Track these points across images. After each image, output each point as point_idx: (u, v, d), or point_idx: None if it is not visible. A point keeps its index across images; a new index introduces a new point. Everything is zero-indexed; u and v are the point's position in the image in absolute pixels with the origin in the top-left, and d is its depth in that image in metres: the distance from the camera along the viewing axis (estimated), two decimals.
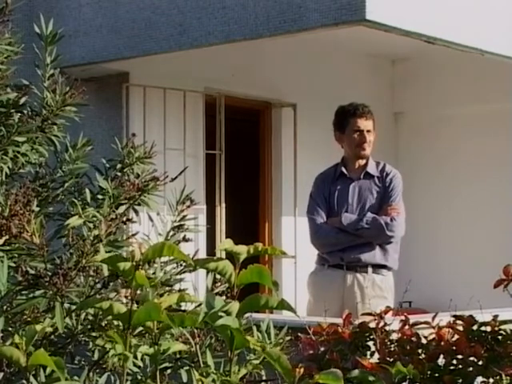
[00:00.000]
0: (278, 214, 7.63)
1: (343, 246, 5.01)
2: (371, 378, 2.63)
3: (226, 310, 2.08)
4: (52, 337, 2.33)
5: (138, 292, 2.15)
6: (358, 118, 5.12)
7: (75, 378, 2.15)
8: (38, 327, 2.07)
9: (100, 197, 2.69)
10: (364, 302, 4.83)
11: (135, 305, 2.11)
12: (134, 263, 2.07)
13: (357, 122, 5.11)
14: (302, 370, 2.00)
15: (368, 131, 5.11)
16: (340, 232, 5.00)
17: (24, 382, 2.03)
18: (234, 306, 2.09)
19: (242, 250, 2.18)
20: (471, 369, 2.93)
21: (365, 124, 5.12)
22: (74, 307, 2.31)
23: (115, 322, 2.24)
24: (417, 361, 2.94)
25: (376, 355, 3.09)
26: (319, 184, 5.22)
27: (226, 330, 2.07)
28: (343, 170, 5.15)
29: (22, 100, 2.76)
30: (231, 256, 2.22)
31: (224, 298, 2.22)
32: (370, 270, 5.00)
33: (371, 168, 5.15)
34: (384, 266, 5.05)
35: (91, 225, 2.48)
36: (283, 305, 2.15)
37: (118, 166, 2.84)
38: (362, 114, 5.13)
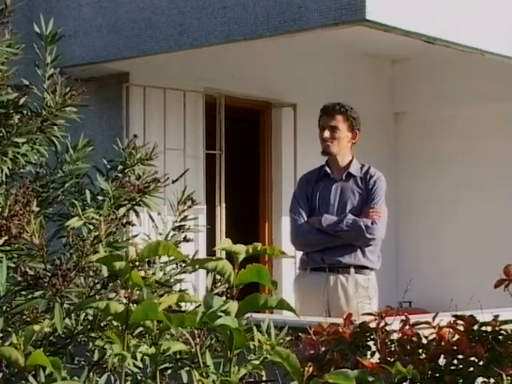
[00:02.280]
0: (278, 214, 7.63)
1: (322, 246, 5.02)
2: (370, 379, 2.62)
3: (225, 309, 2.08)
4: (52, 337, 2.33)
5: (138, 292, 2.15)
6: (324, 116, 5.19)
7: (75, 378, 2.15)
8: (37, 327, 2.07)
9: (100, 198, 2.69)
10: (349, 303, 4.84)
11: (135, 304, 2.11)
12: (130, 263, 2.07)
13: (322, 119, 5.19)
14: (310, 369, 1.99)
15: (333, 127, 5.11)
16: (319, 233, 5.00)
17: (23, 382, 2.03)
18: (233, 305, 2.09)
19: (241, 250, 2.18)
20: (472, 369, 2.92)
21: (328, 121, 5.14)
22: (73, 308, 2.31)
23: (114, 323, 2.24)
24: (417, 361, 2.93)
25: (377, 355, 3.09)
26: (303, 184, 5.25)
27: (226, 329, 2.07)
28: (327, 169, 5.17)
29: (22, 100, 2.76)
30: (232, 256, 2.22)
31: (224, 298, 2.22)
32: (352, 270, 4.99)
33: (354, 169, 5.14)
34: (366, 267, 5.04)
35: (91, 226, 2.48)
36: (282, 304, 2.15)
37: (119, 167, 2.84)
38: (326, 111, 5.18)
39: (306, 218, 5.07)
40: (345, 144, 5.15)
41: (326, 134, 5.12)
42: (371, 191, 5.08)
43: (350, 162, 5.17)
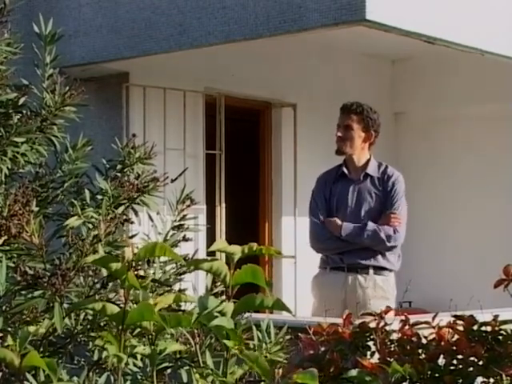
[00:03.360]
0: (278, 214, 7.63)
1: (341, 250, 5.01)
2: (368, 378, 2.62)
3: (221, 310, 2.08)
4: (51, 337, 2.33)
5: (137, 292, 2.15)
6: (341, 114, 5.10)
7: (75, 378, 2.15)
8: (31, 328, 2.07)
9: (99, 197, 2.69)
10: (366, 303, 4.82)
11: (133, 305, 2.11)
12: (126, 263, 2.07)
13: (339, 118, 5.10)
14: (281, 371, 2.01)
15: (346, 126, 5.03)
16: (338, 240, 4.98)
17: (25, 382, 2.02)
18: (229, 306, 2.09)
19: (236, 250, 2.18)
20: (471, 369, 2.92)
21: (343, 120, 5.06)
22: (69, 308, 2.30)
23: (114, 323, 2.24)
24: (417, 361, 2.93)
25: (376, 355, 3.09)
26: (321, 184, 5.18)
27: (222, 330, 2.07)
28: (344, 170, 5.11)
29: (22, 100, 2.76)
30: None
31: (224, 297, 2.22)
32: (371, 271, 4.97)
33: (371, 169, 5.08)
34: (385, 268, 5.03)
35: (90, 225, 2.48)
36: (279, 304, 2.15)
37: (118, 166, 2.84)
38: (343, 110, 5.09)
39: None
40: (358, 144, 5.07)
41: (340, 133, 5.05)
42: (390, 193, 5.03)
43: (368, 161, 5.10)
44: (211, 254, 2.36)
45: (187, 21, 5.68)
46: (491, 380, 2.87)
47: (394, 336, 3.16)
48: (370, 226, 4.95)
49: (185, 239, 2.74)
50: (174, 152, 6.64)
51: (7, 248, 2.37)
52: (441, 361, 2.99)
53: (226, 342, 2.07)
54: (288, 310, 2.18)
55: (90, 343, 2.44)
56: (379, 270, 4.99)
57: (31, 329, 2.08)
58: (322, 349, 3.14)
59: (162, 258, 2.58)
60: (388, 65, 8.48)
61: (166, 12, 5.79)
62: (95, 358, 2.43)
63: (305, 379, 1.98)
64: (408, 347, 3.06)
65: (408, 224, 8.61)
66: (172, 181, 2.85)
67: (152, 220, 2.75)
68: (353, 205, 5.04)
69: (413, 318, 3.29)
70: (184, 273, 2.67)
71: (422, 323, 3.20)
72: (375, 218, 4.99)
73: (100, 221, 2.40)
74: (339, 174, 5.13)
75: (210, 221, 6.92)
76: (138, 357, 2.30)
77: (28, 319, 2.27)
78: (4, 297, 2.26)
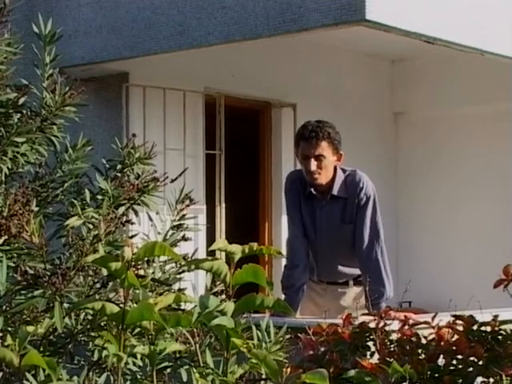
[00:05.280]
0: (277, 213, 7.62)
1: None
2: (367, 378, 2.62)
3: (221, 309, 2.08)
4: (51, 337, 2.34)
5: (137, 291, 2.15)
6: (305, 142, 4.58)
7: (75, 377, 2.15)
8: (30, 328, 2.08)
9: (100, 197, 2.69)
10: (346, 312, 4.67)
11: (133, 304, 2.12)
12: (126, 263, 2.07)
13: (303, 147, 4.60)
14: (288, 370, 2.00)
15: (318, 157, 4.55)
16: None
17: (25, 382, 2.03)
18: (229, 305, 2.09)
19: (237, 250, 2.18)
20: (471, 369, 2.92)
21: (311, 149, 4.55)
22: (69, 308, 2.31)
23: (114, 322, 2.25)
24: (417, 361, 2.94)
25: (376, 355, 3.09)
26: (294, 195, 4.85)
27: (222, 329, 2.07)
28: (312, 190, 4.72)
29: (22, 100, 2.76)
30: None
31: (224, 297, 2.23)
32: (351, 282, 4.82)
33: (337, 189, 4.67)
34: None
35: (90, 225, 2.48)
36: (279, 304, 2.15)
37: (118, 166, 2.84)
38: (307, 138, 4.56)
39: (302, 235, 4.88)
40: (331, 169, 4.64)
41: (313, 166, 4.56)
42: (364, 213, 4.65)
43: (332, 181, 4.66)
44: (211, 253, 2.36)
45: (187, 21, 5.68)
46: (491, 380, 2.88)
47: (394, 336, 3.17)
48: (384, 296, 4.62)
49: (184, 239, 2.74)
50: (174, 152, 6.64)
51: (7, 248, 2.37)
52: (440, 361, 2.99)
53: (234, 340, 2.07)
54: (288, 310, 2.18)
55: (90, 343, 2.44)
56: (358, 280, 4.79)
57: (30, 328, 2.08)
58: (322, 349, 3.15)
59: (162, 258, 2.58)
60: (388, 65, 8.48)
61: (166, 12, 5.79)
62: (95, 357, 2.43)
63: (314, 379, 1.98)
64: (408, 347, 3.06)
65: (408, 224, 8.60)
66: (172, 181, 2.86)
67: (151, 220, 2.76)
68: (324, 228, 4.77)
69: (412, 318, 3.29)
70: (184, 272, 2.67)
71: (421, 323, 3.20)
72: (348, 238, 4.74)
73: (100, 221, 2.41)
74: (308, 193, 4.76)
75: (209, 221, 6.92)
76: (138, 356, 2.30)
77: (28, 319, 2.27)
78: (4, 296, 2.26)
